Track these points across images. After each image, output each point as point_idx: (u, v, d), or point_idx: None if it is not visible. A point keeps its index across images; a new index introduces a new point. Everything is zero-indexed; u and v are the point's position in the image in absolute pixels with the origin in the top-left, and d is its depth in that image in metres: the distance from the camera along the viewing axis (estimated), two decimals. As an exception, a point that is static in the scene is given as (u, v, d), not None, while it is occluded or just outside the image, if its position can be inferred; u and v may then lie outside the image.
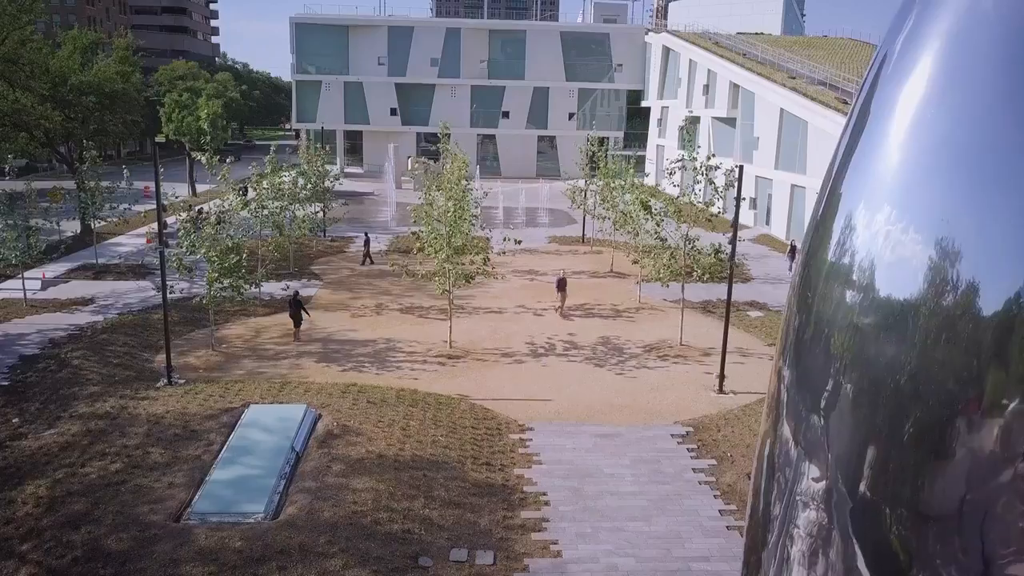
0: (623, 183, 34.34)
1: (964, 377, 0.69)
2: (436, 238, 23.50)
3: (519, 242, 26.71)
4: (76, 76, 39.67)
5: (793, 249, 36.84)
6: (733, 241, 20.70)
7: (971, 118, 0.73)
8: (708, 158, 24.95)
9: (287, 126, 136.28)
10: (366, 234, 37.71)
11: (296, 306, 24.91)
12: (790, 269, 35.54)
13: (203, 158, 25.42)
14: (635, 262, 28.17)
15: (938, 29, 0.77)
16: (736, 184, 21.77)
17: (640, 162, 74.44)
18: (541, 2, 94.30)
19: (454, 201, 23.25)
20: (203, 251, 22.66)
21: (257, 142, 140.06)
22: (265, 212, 29.51)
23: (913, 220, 0.75)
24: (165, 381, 20.34)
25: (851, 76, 49.90)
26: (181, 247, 23.03)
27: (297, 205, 34.21)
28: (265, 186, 30.41)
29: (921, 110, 0.76)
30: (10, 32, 34.02)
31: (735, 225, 20.91)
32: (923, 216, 0.75)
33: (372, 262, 35.77)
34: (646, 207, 25.24)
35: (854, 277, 0.80)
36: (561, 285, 28.02)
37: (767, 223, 47.82)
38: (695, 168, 24.64)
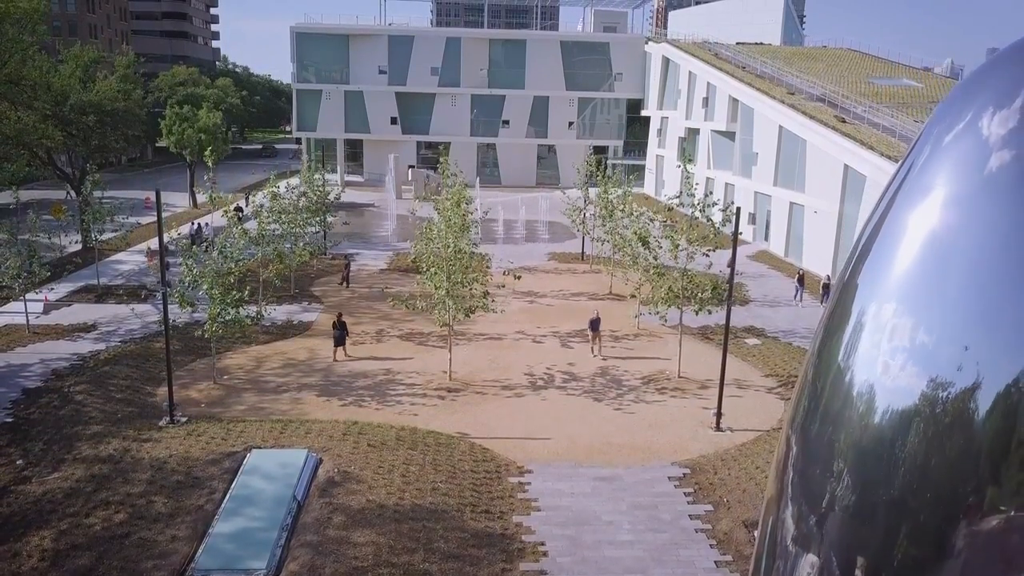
0: (622, 207, 34.42)
1: (961, 488, 0.76)
2: (436, 272, 23.69)
3: (519, 277, 26.91)
4: (77, 95, 39.81)
5: (801, 278, 35.40)
6: (730, 280, 20.84)
7: (981, 248, 0.85)
8: (705, 195, 25.00)
9: (287, 128, 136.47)
10: (346, 256, 37.82)
11: (340, 328, 26.32)
12: (797, 298, 34.70)
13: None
14: (633, 295, 28.28)
15: (962, 153, 0.91)
16: (735, 218, 21.79)
17: (640, 171, 74.80)
18: (541, 10, 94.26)
19: (453, 236, 23.44)
20: (205, 286, 22.82)
21: (257, 145, 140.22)
22: (266, 237, 29.60)
23: (917, 333, 0.87)
24: (167, 419, 20.52)
25: (849, 93, 50.06)
26: (183, 282, 23.16)
27: (298, 228, 34.33)
28: (265, 213, 30.53)
29: (936, 230, 0.90)
30: (12, 54, 34.16)
31: (732, 264, 21.06)
32: (927, 330, 0.86)
33: (348, 284, 35.97)
34: (644, 242, 25.40)
35: (859, 383, 0.90)
36: (594, 325, 27.09)
37: (766, 239, 47.98)
38: (693, 205, 24.73)
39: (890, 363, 0.88)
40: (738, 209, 21.07)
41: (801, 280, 35.24)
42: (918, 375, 0.85)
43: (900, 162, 1.01)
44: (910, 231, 0.91)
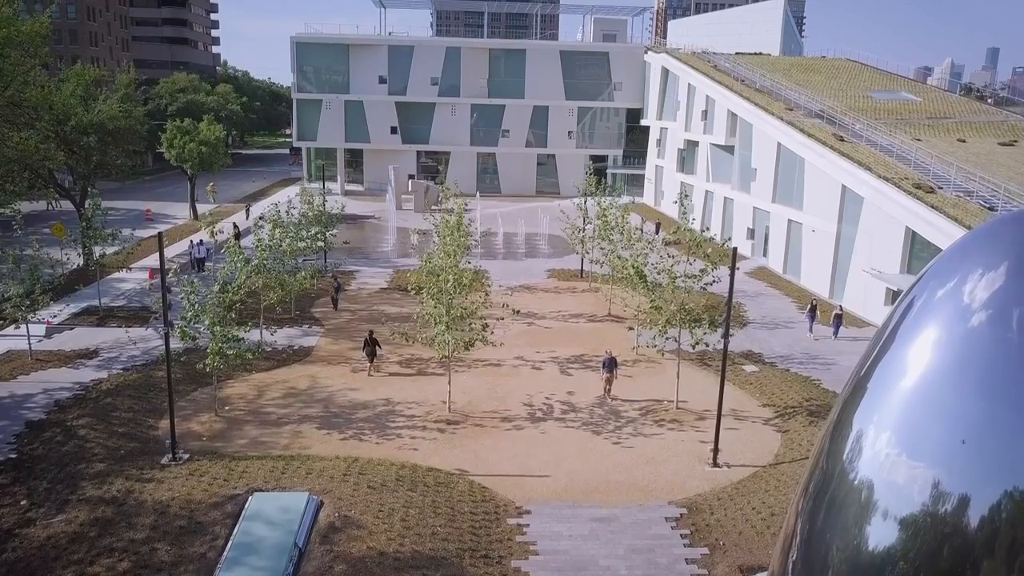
0: (620, 229, 34.59)
1: None
2: (437, 305, 23.91)
3: (517, 311, 27.09)
4: (78, 117, 40.03)
5: (813, 308, 34.24)
6: (726, 324, 21.01)
7: (967, 384, 1.06)
8: (702, 231, 25.16)
9: (287, 131, 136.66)
10: (336, 278, 37.64)
11: (371, 344, 27.90)
12: (810, 329, 33.48)
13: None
14: (630, 328, 28.41)
15: (952, 306, 1.13)
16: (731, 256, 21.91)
17: (639, 181, 75.01)
18: (541, 18, 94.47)
19: (454, 272, 23.66)
20: (207, 321, 23.00)
21: (257, 150, 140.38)
22: (267, 267, 29.72)
23: (911, 449, 1.06)
24: (170, 457, 20.73)
25: (848, 108, 50.22)
26: (184, 318, 23.31)
27: (299, 248, 34.50)
28: (266, 241, 30.62)
29: (930, 365, 1.12)
30: (15, 77, 34.32)
31: (728, 304, 21.22)
32: (921, 446, 1.05)
33: (336, 307, 36.06)
34: (641, 275, 25.58)
35: (855, 490, 1.09)
36: (609, 366, 25.97)
37: (764, 255, 48.16)
38: (691, 239, 24.90)
39: (884, 480, 1.07)
40: (734, 249, 21.21)
41: (813, 311, 33.93)
42: (910, 492, 1.03)
43: (898, 301, 1.25)
44: (908, 363, 1.14)
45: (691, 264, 25.00)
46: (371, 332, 28.67)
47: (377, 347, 28.11)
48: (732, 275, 20.76)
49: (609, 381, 25.89)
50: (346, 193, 74.54)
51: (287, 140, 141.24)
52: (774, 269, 45.97)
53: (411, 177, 71.51)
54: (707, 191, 57.80)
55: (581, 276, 43.46)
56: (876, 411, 1.12)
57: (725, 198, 54.33)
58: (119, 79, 45.59)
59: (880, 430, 1.10)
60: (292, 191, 75.17)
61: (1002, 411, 0.98)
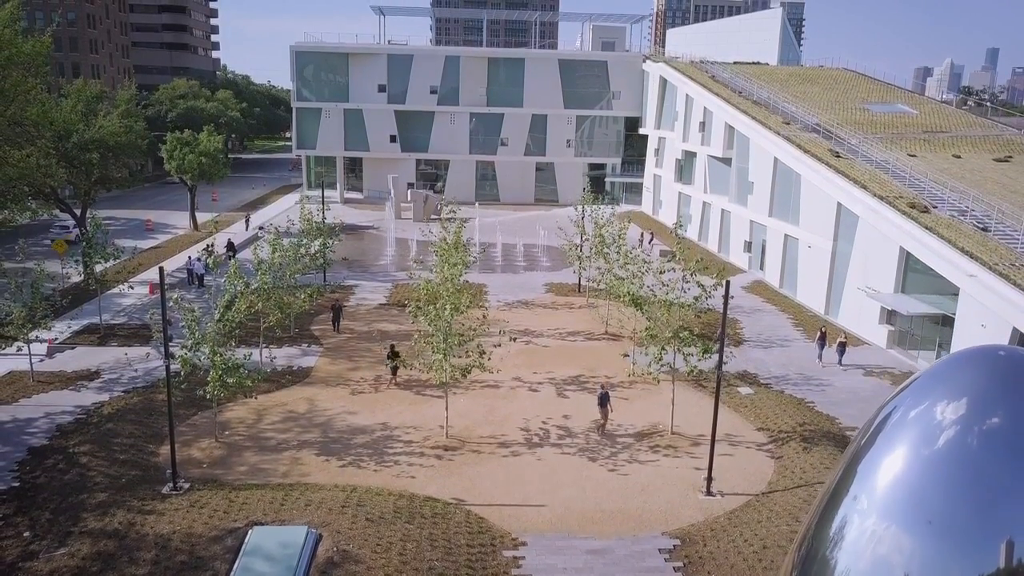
0: (616, 247, 34.90)
1: None
2: (435, 333, 24.16)
3: (514, 339, 27.35)
4: (79, 133, 40.29)
5: (823, 335, 33.41)
6: (719, 354, 21.28)
7: (935, 492, 1.31)
8: (695, 261, 25.41)
9: (287, 134, 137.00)
10: (334, 303, 37.63)
11: (393, 356, 29.34)
12: (820, 356, 32.86)
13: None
14: (625, 354, 28.63)
15: (922, 426, 1.39)
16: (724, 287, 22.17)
17: (637, 189, 75.32)
18: (540, 26, 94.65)
19: (451, 302, 23.92)
20: (207, 350, 23.26)
21: (257, 154, 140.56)
22: (267, 291, 30.00)
23: (886, 539, 1.29)
24: (170, 486, 21.01)
25: (844, 122, 50.49)
26: (185, 347, 23.58)
27: (298, 268, 34.73)
28: (266, 268, 30.75)
29: (901, 472, 1.37)
30: (16, 96, 34.52)
31: (722, 336, 21.49)
32: (898, 546, 1.29)
33: (337, 330, 36.18)
34: (637, 304, 25.85)
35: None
36: (603, 400, 25.54)
37: (761, 268, 48.43)
38: (684, 268, 25.16)
39: (864, 556, 1.31)
40: (727, 282, 21.46)
41: (823, 338, 33.13)
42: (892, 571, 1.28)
43: (879, 409, 1.47)
44: (881, 471, 1.39)
45: (686, 292, 25.25)
46: (392, 346, 29.88)
47: (399, 360, 29.06)
48: (724, 311, 21.03)
49: (604, 416, 25.74)
50: (345, 201, 74.90)
51: (286, 144, 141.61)
52: (771, 283, 46.23)
53: (410, 186, 71.82)
54: (705, 202, 58.09)
55: (578, 291, 43.70)
56: (859, 502, 1.39)
57: (723, 210, 54.61)
58: (119, 94, 45.83)
59: (863, 519, 1.37)
60: (292, 198, 75.49)
61: (951, 542, 1.25)
